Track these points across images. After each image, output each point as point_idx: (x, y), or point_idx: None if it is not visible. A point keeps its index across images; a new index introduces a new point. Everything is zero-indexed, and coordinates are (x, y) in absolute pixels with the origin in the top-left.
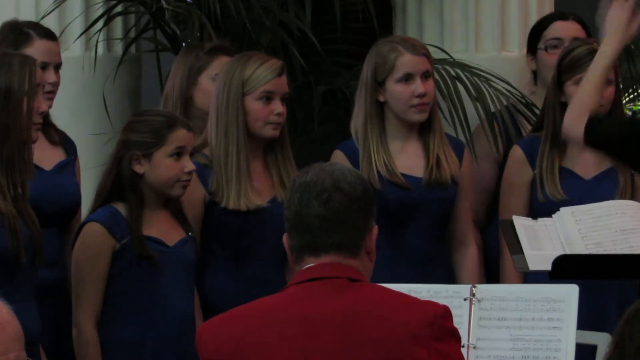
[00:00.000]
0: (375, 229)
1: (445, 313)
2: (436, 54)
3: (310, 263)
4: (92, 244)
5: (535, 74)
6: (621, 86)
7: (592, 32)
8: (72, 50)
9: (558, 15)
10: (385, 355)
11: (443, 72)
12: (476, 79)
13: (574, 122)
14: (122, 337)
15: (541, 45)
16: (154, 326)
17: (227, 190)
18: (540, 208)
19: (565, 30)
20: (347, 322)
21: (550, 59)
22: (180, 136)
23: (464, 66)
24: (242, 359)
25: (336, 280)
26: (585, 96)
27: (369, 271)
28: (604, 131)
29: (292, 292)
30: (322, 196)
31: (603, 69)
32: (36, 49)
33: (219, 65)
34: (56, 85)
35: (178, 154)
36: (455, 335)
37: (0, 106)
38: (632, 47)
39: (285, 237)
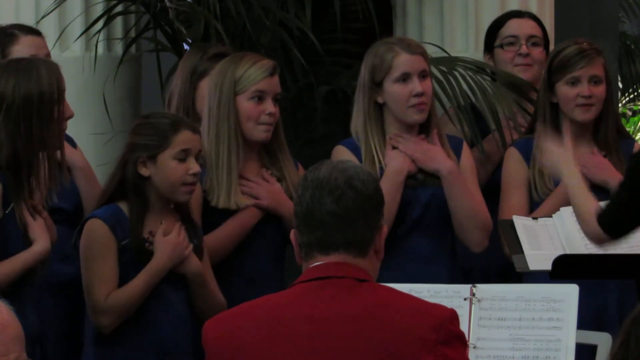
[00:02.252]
0: (385, 229)
1: (452, 317)
2: (436, 54)
3: (319, 261)
4: (99, 239)
5: (493, 72)
6: (621, 86)
7: (549, 32)
8: (72, 50)
9: (514, 13)
10: (390, 357)
11: (446, 72)
12: (479, 77)
13: (597, 230)
14: (119, 349)
15: (497, 43)
16: (152, 335)
17: (218, 190)
18: (537, 207)
19: (521, 28)
20: (353, 323)
21: (506, 56)
22: (185, 138)
23: (465, 61)
24: (247, 356)
25: (343, 280)
26: (586, 209)
27: (375, 270)
28: (619, 219)
29: (299, 291)
30: (335, 193)
31: (581, 187)
32: (23, 44)
33: None
34: None
35: (183, 156)
36: (461, 340)
37: (35, 115)
38: (632, 47)
39: (293, 234)
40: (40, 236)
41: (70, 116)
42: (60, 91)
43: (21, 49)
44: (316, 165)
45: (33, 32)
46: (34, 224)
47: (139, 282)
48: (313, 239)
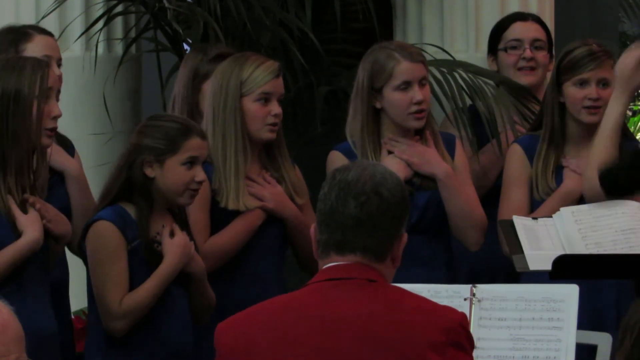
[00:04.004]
0: (405, 237)
1: (462, 320)
2: (436, 54)
3: (334, 261)
4: (109, 241)
5: None
6: None
7: (551, 32)
8: (73, 50)
9: (517, 16)
10: (400, 357)
11: (447, 74)
12: (480, 80)
13: (595, 182)
14: (128, 349)
15: (501, 46)
16: (159, 331)
17: (227, 192)
18: (538, 206)
19: (525, 31)
20: (363, 322)
21: (510, 60)
22: (194, 145)
23: (466, 65)
24: (259, 357)
25: (354, 280)
26: (602, 154)
27: (390, 276)
28: (617, 177)
29: (311, 291)
30: (360, 198)
31: (615, 123)
32: (37, 43)
33: None
34: (60, 79)
35: (191, 162)
36: (471, 342)
37: (10, 111)
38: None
39: (313, 228)
40: (27, 228)
41: (57, 116)
42: (44, 89)
43: (35, 47)
44: (346, 165)
45: (47, 33)
46: (22, 217)
47: (152, 285)
48: (331, 239)
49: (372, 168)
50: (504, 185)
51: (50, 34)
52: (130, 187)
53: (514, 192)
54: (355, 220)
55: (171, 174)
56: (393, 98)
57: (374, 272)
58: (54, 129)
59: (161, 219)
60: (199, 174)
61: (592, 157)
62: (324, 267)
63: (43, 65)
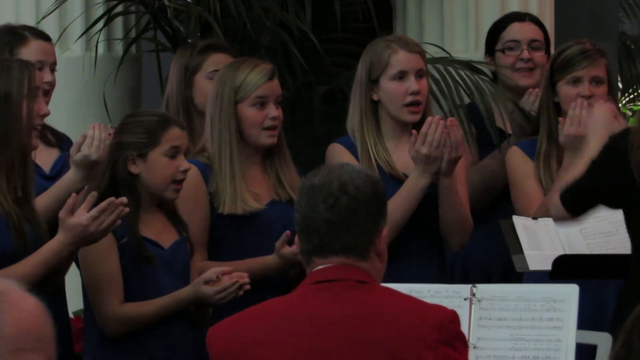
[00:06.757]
0: (386, 230)
1: (453, 317)
2: (436, 54)
3: (319, 265)
4: (100, 241)
5: (495, 75)
6: (621, 86)
7: (549, 33)
8: (73, 50)
9: (515, 16)
10: (392, 358)
11: (444, 72)
12: (477, 77)
13: (559, 205)
14: (126, 348)
15: (499, 47)
16: (157, 328)
17: (223, 196)
18: None
19: (522, 32)
20: (354, 324)
21: (507, 61)
22: (174, 135)
23: (462, 62)
24: (250, 359)
25: (344, 282)
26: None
27: (379, 273)
28: (579, 195)
29: (301, 294)
30: (328, 200)
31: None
32: (32, 48)
33: (213, 63)
34: (52, 85)
35: (173, 153)
36: (462, 340)
37: (1, 112)
38: (632, 47)
39: (296, 239)
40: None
41: (46, 114)
42: (31, 89)
43: (30, 52)
44: (314, 170)
45: (43, 36)
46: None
47: (161, 306)
48: (311, 246)
49: (338, 169)
50: (514, 182)
51: (46, 38)
52: (115, 187)
53: (527, 184)
54: (328, 223)
55: (155, 166)
56: (388, 88)
57: (362, 273)
58: (40, 127)
59: (150, 216)
60: (183, 163)
61: (559, 182)
62: (312, 270)
63: (29, 65)
